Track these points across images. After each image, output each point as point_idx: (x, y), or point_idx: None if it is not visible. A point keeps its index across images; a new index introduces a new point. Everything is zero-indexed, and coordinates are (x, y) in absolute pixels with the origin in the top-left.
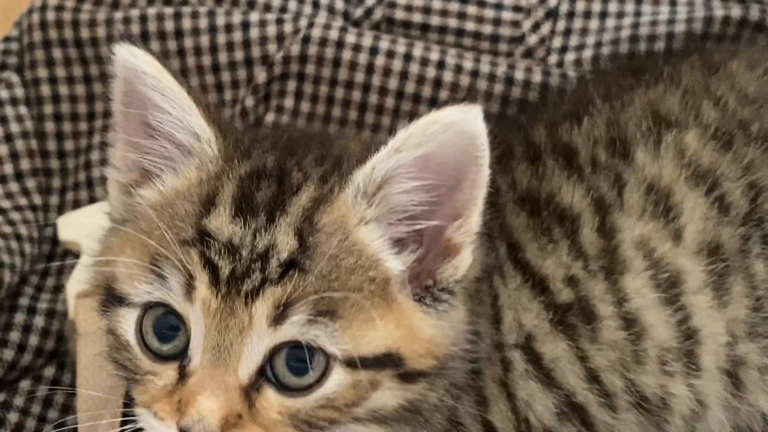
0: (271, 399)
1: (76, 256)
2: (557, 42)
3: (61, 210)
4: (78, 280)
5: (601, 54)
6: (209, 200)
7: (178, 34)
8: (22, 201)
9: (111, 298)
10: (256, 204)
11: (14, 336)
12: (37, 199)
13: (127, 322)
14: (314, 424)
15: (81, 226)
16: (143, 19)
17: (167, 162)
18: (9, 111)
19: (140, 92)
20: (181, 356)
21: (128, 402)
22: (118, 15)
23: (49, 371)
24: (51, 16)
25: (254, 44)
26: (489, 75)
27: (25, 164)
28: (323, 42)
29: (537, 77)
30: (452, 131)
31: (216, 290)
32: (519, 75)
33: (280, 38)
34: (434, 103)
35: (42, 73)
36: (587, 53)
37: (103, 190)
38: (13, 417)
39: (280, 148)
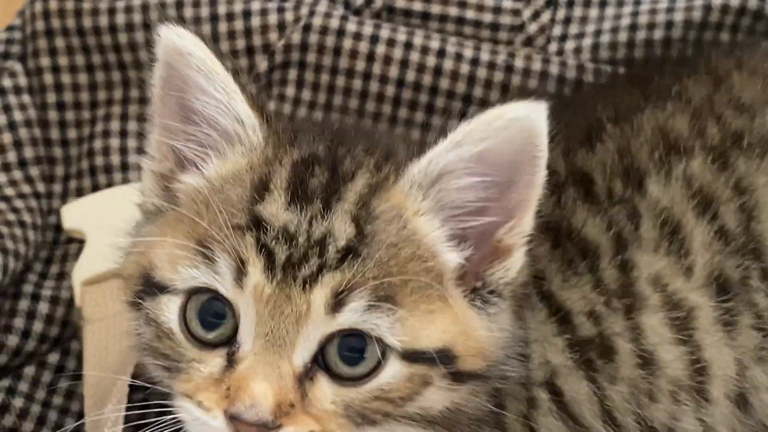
0: (324, 388)
1: (80, 243)
2: (557, 30)
3: (64, 198)
4: (83, 268)
5: (600, 42)
6: (262, 186)
7: (180, 22)
8: (26, 189)
9: (149, 286)
10: (311, 190)
11: (18, 322)
12: (41, 187)
13: (169, 309)
14: (367, 417)
15: (85, 215)
16: (145, 8)
17: (209, 148)
18: (12, 100)
19: (184, 75)
20: (227, 343)
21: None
22: (120, 4)
23: (53, 357)
24: (53, 5)
25: (255, 33)
26: (489, 63)
27: (28, 152)
28: (324, 30)
29: (537, 65)
30: (515, 128)
31: (271, 276)
32: (519, 63)
33: (282, 27)
34: (435, 92)
35: (45, 62)
36: (587, 41)
37: (105, 177)
38: (18, 402)
39: (327, 137)
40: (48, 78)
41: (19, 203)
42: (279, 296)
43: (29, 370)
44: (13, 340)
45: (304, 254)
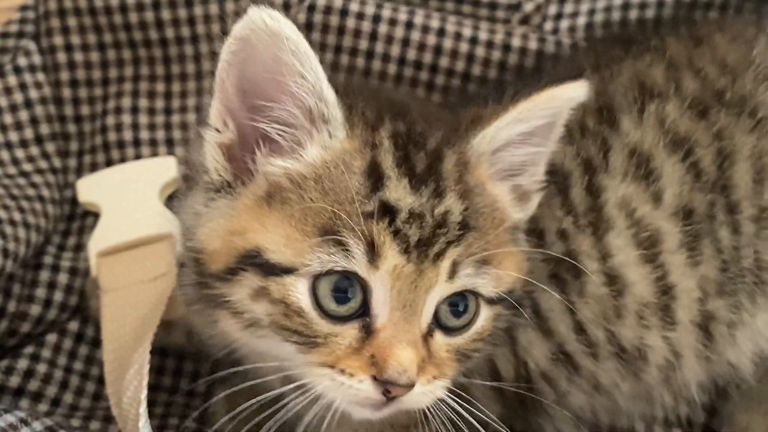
0: (440, 341)
1: (96, 216)
2: (552, 9)
3: (79, 172)
4: (98, 240)
5: (594, 21)
6: (375, 171)
7: (188, 2)
8: (43, 164)
9: (261, 267)
10: (420, 173)
11: (40, 292)
12: (57, 162)
13: (298, 290)
14: (468, 355)
15: (99, 188)
16: None
17: (295, 130)
18: (28, 78)
19: (275, 56)
20: (357, 316)
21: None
22: None
23: (73, 325)
24: None
25: None
26: (487, 42)
27: (44, 129)
28: (328, 10)
29: (533, 44)
30: (566, 105)
31: (407, 255)
32: (516, 42)
33: (287, 6)
34: (435, 70)
35: (58, 40)
36: (581, 20)
37: (119, 153)
38: (41, 368)
39: (396, 114)
40: (61, 56)
41: (37, 178)
42: (415, 272)
43: (51, 338)
44: (35, 309)
45: (431, 233)
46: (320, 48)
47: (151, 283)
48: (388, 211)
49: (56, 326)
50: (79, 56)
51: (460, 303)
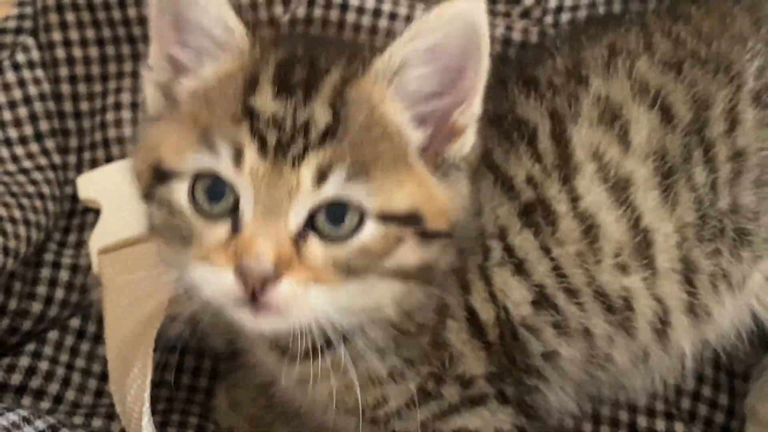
0: (316, 246)
1: (96, 213)
2: (553, 2)
3: (79, 169)
4: (99, 237)
5: (595, 14)
6: (252, 82)
7: None
8: (43, 161)
9: (159, 176)
10: (294, 83)
11: (41, 290)
12: (57, 159)
13: (179, 192)
14: (352, 270)
15: (99, 185)
16: None
17: (203, 54)
18: (26, 74)
19: None
20: (230, 214)
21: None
22: None
23: (74, 322)
24: None
25: (261, 6)
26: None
27: (43, 125)
28: (328, 4)
29: (533, 38)
30: (458, 21)
31: (264, 156)
32: (516, 36)
33: (286, 1)
34: None
35: (56, 36)
36: (581, 13)
37: (118, 149)
38: (43, 365)
39: (305, 41)
40: (60, 52)
41: (37, 175)
42: (272, 173)
43: (53, 335)
44: (36, 307)
45: (291, 137)
46: None
47: (153, 279)
48: (251, 115)
49: (57, 323)
50: (77, 52)
51: (338, 212)
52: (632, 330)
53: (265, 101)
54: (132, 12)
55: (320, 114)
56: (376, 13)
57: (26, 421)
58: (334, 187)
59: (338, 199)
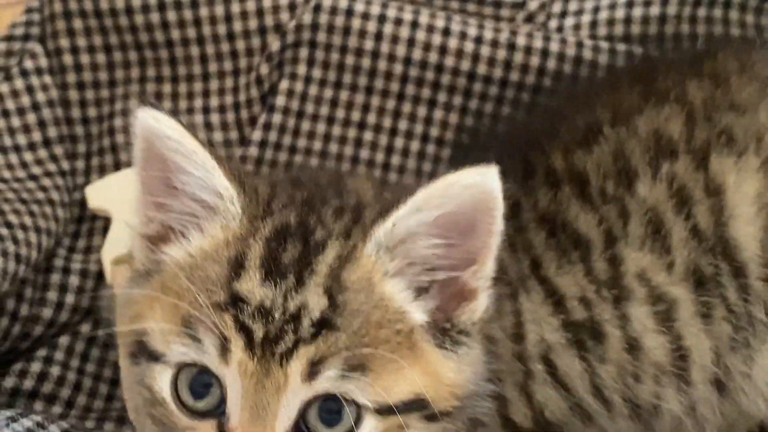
0: None
1: (105, 219)
2: (557, 7)
3: (87, 174)
4: (111, 247)
5: (598, 19)
6: (238, 263)
7: (194, 4)
8: (52, 167)
9: (143, 352)
10: (284, 265)
11: (52, 295)
12: (65, 165)
13: (162, 379)
14: None
15: (109, 193)
16: None
17: (191, 219)
18: (35, 81)
19: (162, 155)
20: (216, 412)
21: None
22: None
23: (85, 327)
24: None
25: (267, 13)
26: (492, 41)
27: (52, 132)
28: (333, 11)
29: (538, 43)
30: (470, 192)
31: (251, 353)
32: (521, 41)
33: (292, 7)
34: (440, 69)
35: (64, 43)
36: (586, 18)
37: (126, 155)
38: (55, 371)
39: (299, 202)
40: (67, 58)
41: (46, 181)
42: (260, 371)
43: (64, 340)
44: (47, 312)
45: (280, 330)
46: (326, 48)
47: None
48: (237, 303)
49: (68, 329)
50: (85, 58)
51: (332, 408)
52: (653, 423)
53: (252, 287)
54: (139, 18)
55: (314, 302)
56: (381, 18)
57: (40, 426)
58: (326, 383)
59: (331, 395)
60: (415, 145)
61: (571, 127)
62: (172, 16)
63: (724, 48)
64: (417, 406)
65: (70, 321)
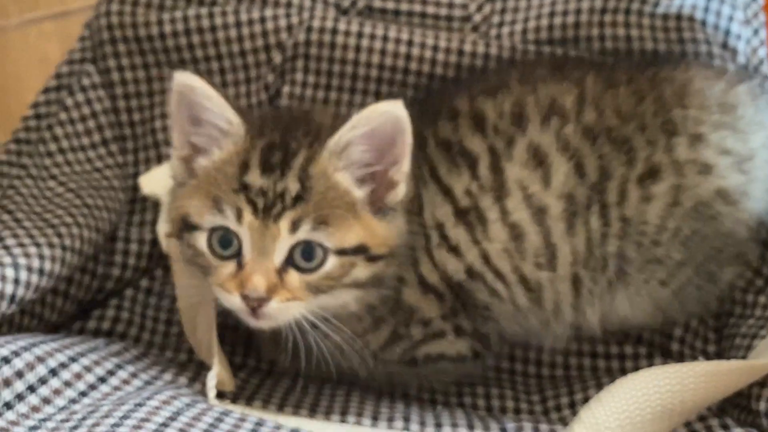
0: (294, 275)
1: (157, 204)
2: (496, 19)
3: (135, 165)
4: (164, 224)
5: (527, 27)
6: (245, 164)
7: (213, 28)
8: (110, 161)
9: (187, 226)
10: (273, 165)
11: (118, 258)
12: (120, 159)
13: (200, 240)
14: (321, 289)
15: (158, 182)
16: (185, 18)
17: (212, 140)
18: (91, 94)
19: (191, 99)
20: (236, 256)
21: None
22: (166, 16)
23: (144, 282)
24: (115, 19)
25: (270, 34)
26: (445, 48)
27: (107, 133)
28: (322, 30)
29: (481, 48)
30: (385, 116)
31: (256, 216)
32: (467, 47)
33: (290, 28)
34: (406, 72)
35: (111, 63)
36: (518, 27)
37: (166, 149)
38: (124, 315)
39: (281, 127)
40: (115, 75)
41: (108, 172)
42: (262, 227)
43: (128, 292)
44: (116, 271)
45: (272, 202)
46: (317, 60)
47: None
48: (246, 188)
49: (132, 283)
50: (128, 74)
51: (308, 250)
52: (542, 306)
53: (255, 178)
54: (170, 42)
55: (292, 186)
56: (359, 34)
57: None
58: (304, 233)
59: (307, 240)
60: None
61: (484, 84)
62: (195, 39)
63: (623, 61)
64: (361, 250)
65: (133, 277)
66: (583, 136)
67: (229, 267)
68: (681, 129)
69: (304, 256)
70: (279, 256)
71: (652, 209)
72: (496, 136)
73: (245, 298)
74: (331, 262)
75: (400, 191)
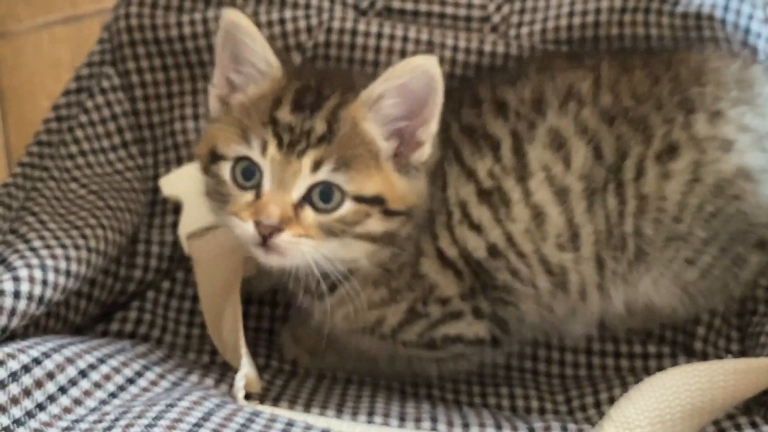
0: (309, 213)
1: (177, 207)
2: (515, 19)
3: (155, 167)
4: (185, 226)
5: (546, 27)
6: (277, 101)
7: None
8: (130, 163)
9: (214, 158)
10: (304, 105)
11: (139, 260)
12: (140, 161)
13: (225, 169)
14: (333, 232)
15: (177, 184)
16: (204, 21)
17: (250, 78)
18: (111, 96)
19: (236, 37)
20: (256, 187)
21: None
22: (185, 18)
23: (166, 284)
24: (134, 21)
25: (290, 35)
26: (465, 49)
27: (127, 136)
28: (341, 31)
29: (500, 48)
30: (419, 70)
31: (280, 150)
32: (487, 47)
33: (309, 30)
34: None
35: (131, 65)
36: (537, 27)
37: (186, 151)
38: (146, 317)
39: (318, 75)
40: (134, 78)
41: (129, 174)
42: (285, 161)
43: (150, 294)
44: (138, 273)
45: (298, 138)
46: (337, 60)
47: (230, 253)
48: (274, 122)
49: (153, 285)
50: (148, 77)
51: (327, 192)
52: (567, 290)
53: (284, 114)
54: (190, 44)
55: (319, 125)
56: (379, 35)
57: (161, 377)
58: (324, 174)
59: (326, 181)
60: None
61: (504, 74)
62: (216, 40)
63: (637, 49)
64: (378, 201)
65: (154, 279)
66: (600, 119)
67: (248, 196)
68: (699, 106)
69: (322, 197)
70: (297, 192)
71: (671, 185)
72: (517, 120)
73: (258, 225)
74: (347, 207)
75: (425, 151)
